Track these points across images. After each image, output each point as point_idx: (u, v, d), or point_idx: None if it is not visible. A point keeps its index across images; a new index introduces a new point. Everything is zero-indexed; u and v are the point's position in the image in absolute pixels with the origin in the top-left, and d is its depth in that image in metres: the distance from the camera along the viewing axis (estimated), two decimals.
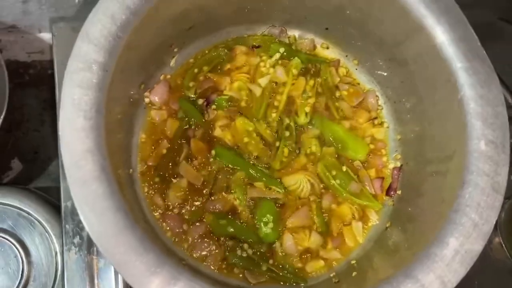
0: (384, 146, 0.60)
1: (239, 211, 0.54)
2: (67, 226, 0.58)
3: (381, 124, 0.61)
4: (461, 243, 0.41)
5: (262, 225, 0.54)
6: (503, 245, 0.65)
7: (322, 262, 0.54)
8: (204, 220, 0.53)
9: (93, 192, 0.38)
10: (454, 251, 0.41)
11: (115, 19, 0.42)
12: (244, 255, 0.53)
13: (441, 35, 0.47)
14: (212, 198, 0.54)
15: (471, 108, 0.45)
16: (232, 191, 0.54)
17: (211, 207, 0.53)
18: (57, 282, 0.63)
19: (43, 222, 0.65)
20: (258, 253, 0.54)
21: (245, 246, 0.53)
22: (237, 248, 0.53)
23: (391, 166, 0.59)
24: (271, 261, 0.53)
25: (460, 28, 0.47)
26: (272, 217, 0.54)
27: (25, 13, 0.75)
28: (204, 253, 0.52)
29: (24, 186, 0.72)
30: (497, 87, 0.45)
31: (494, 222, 0.42)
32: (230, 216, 0.54)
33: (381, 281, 0.41)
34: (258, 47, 0.61)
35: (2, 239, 0.63)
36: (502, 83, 0.77)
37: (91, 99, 0.40)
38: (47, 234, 0.65)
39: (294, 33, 0.63)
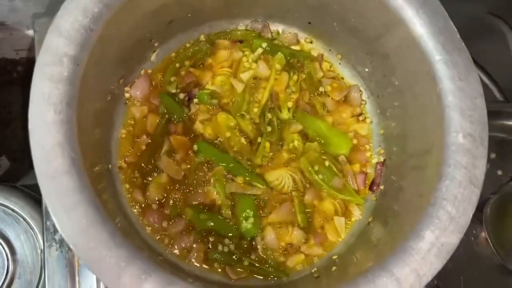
0: (368, 141, 0.60)
1: (219, 205, 0.53)
2: (48, 222, 0.58)
3: (365, 119, 0.60)
4: (437, 236, 0.40)
5: (242, 220, 0.53)
6: (489, 240, 0.65)
7: (303, 257, 0.54)
8: (183, 216, 0.53)
9: (63, 186, 0.37)
10: (430, 244, 0.40)
11: (87, 11, 0.42)
12: (226, 250, 0.53)
13: (420, 27, 0.46)
14: (193, 191, 0.54)
15: (449, 101, 0.44)
16: (212, 185, 0.54)
17: (191, 202, 0.53)
18: (42, 279, 0.63)
19: (29, 220, 0.65)
20: (240, 248, 0.53)
21: (226, 241, 0.53)
22: (219, 244, 0.53)
23: (374, 161, 0.59)
24: (253, 256, 0.53)
25: (439, 20, 0.46)
26: (252, 212, 0.53)
27: (12, 10, 0.75)
28: (184, 249, 0.52)
29: (11, 183, 0.72)
30: (476, 79, 0.45)
31: (471, 216, 0.41)
32: (209, 211, 0.53)
33: (357, 275, 0.40)
34: (241, 42, 0.61)
35: None
36: (490, 78, 0.76)
37: (61, 93, 0.39)
38: (32, 232, 0.65)
39: (277, 27, 0.63)
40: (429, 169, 0.46)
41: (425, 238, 0.40)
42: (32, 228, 0.65)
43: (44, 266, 0.58)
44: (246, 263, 0.52)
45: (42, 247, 0.63)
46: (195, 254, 0.52)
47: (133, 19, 0.49)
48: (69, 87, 0.40)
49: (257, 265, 0.53)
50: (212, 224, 0.53)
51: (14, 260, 0.64)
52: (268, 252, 0.53)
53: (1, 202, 0.66)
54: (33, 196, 0.69)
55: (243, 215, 0.53)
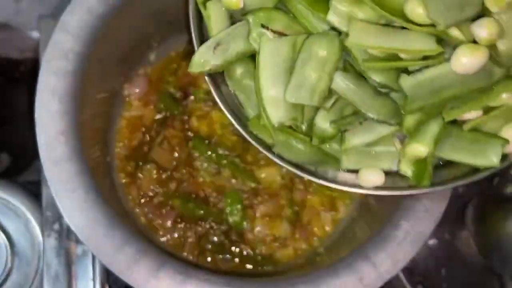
0: None
1: (208, 196, 0.56)
2: (47, 212, 0.60)
3: None
4: (412, 225, 0.43)
5: (231, 212, 0.56)
6: (471, 239, 0.68)
7: (291, 251, 0.57)
8: (174, 206, 0.55)
9: (65, 171, 0.40)
10: (405, 233, 0.43)
11: (92, 10, 0.45)
12: (216, 240, 0.55)
13: None
14: (184, 183, 0.56)
15: None
16: (201, 176, 0.57)
17: (181, 192, 0.56)
18: (38, 272, 0.65)
19: (27, 214, 0.67)
20: (229, 239, 0.56)
21: (217, 232, 0.56)
22: (210, 234, 0.55)
23: None
24: (242, 246, 0.56)
25: None
26: (240, 206, 0.56)
27: (17, 12, 0.78)
28: (178, 238, 0.55)
29: (9, 178, 0.74)
30: None
31: (444, 207, 0.44)
32: (198, 201, 0.56)
33: (336, 261, 0.43)
34: None
35: None
36: None
37: (66, 85, 0.43)
38: (31, 225, 0.67)
39: None
40: None
41: (401, 227, 0.43)
42: (31, 222, 0.67)
43: (43, 255, 0.60)
44: (235, 252, 0.55)
45: (40, 241, 0.65)
46: (188, 245, 0.55)
47: (134, 20, 0.52)
48: (73, 81, 0.43)
49: (245, 253, 0.55)
50: (201, 212, 0.55)
51: (13, 252, 0.66)
52: (257, 244, 0.56)
53: (2, 196, 0.68)
54: (32, 191, 0.71)
55: (231, 208, 0.56)
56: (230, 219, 0.56)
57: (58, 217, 0.60)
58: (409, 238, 0.43)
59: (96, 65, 0.47)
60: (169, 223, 0.54)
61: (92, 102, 0.48)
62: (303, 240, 0.56)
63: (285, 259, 0.56)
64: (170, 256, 0.43)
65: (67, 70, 0.43)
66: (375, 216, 0.52)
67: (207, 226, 0.56)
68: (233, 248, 0.55)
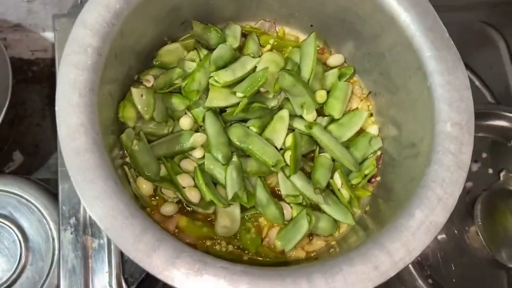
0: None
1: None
2: (63, 207, 0.62)
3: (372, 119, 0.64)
4: (426, 215, 0.44)
5: (245, 233, 0.56)
6: (480, 234, 0.68)
7: (304, 254, 0.57)
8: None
9: (85, 161, 0.41)
10: (419, 222, 0.44)
11: (109, 7, 0.46)
12: (224, 250, 0.55)
13: (412, 26, 0.50)
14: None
15: (438, 93, 0.48)
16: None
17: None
18: (53, 267, 0.66)
19: (42, 209, 0.68)
20: (238, 248, 0.55)
21: (223, 243, 0.56)
22: (216, 245, 0.55)
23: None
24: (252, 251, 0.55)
25: (429, 19, 0.50)
26: (252, 227, 0.56)
27: (29, 12, 0.79)
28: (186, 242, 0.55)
29: (24, 176, 0.75)
30: (463, 73, 0.49)
31: (457, 197, 0.45)
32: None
33: (351, 250, 0.43)
34: (245, 36, 0.65)
35: (2, 224, 0.66)
36: (482, 82, 0.81)
37: (85, 79, 0.44)
38: (45, 221, 0.68)
39: (283, 27, 0.67)
40: (420, 157, 0.49)
41: (415, 217, 0.44)
42: (45, 218, 0.68)
43: (60, 251, 0.61)
44: (245, 258, 0.55)
45: (54, 236, 0.66)
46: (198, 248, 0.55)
47: (149, 17, 0.53)
48: (92, 75, 0.44)
49: (256, 258, 0.55)
50: (206, 230, 0.55)
51: (27, 248, 0.67)
52: (270, 249, 0.56)
53: (17, 192, 0.69)
54: (46, 188, 0.72)
55: (244, 227, 0.56)
56: (245, 238, 0.56)
57: (75, 212, 0.62)
58: (423, 228, 0.43)
59: (112, 60, 0.48)
60: (171, 227, 0.55)
61: (107, 95, 0.49)
62: (320, 240, 0.57)
63: (298, 259, 0.56)
64: (187, 245, 0.43)
65: (86, 64, 0.44)
66: (387, 206, 0.53)
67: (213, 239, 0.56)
68: (242, 255, 0.55)
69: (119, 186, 0.42)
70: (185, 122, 0.58)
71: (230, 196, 0.53)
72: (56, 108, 0.42)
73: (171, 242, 0.41)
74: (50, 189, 0.72)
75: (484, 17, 0.85)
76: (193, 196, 0.54)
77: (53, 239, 0.67)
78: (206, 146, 0.57)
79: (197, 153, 0.57)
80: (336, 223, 0.58)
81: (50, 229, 0.68)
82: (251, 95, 0.55)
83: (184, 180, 0.55)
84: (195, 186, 0.55)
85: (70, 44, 0.44)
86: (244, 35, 0.65)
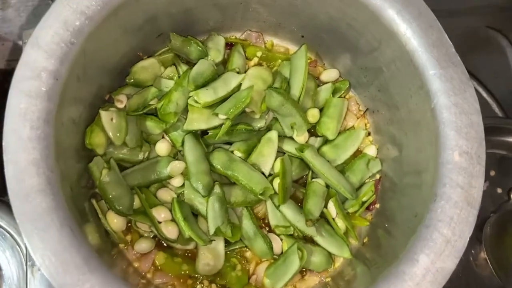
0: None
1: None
2: None
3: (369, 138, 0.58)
4: (432, 260, 0.38)
5: (230, 270, 0.51)
6: (488, 260, 0.62)
7: None
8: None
9: (36, 206, 0.36)
10: (424, 270, 0.38)
11: (67, 24, 0.40)
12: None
13: (413, 40, 0.44)
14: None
15: (444, 117, 0.43)
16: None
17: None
18: None
19: (15, 235, 0.63)
20: (222, 286, 0.50)
21: (206, 282, 0.51)
22: (197, 283, 0.50)
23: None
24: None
25: (433, 33, 0.45)
26: (238, 263, 0.51)
27: (4, 21, 0.74)
28: (164, 282, 0.50)
29: None
30: (472, 95, 0.43)
31: (468, 238, 0.39)
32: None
33: None
34: (231, 45, 0.59)
35: None
36: (488, 92, 0.75)
37: (39, 109, 0.38)
38: (18, 248, 0.63)
39: (271, 38, 0.61)
40: (425, 188, 0.44)
41: (419, 263, 0.38)
42: (18, 244, 0.63)
43: (27, 286, 0.56)
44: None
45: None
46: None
47: (118, 33, 0.47)
48: (47, 103, 0.38)
49: None
50: (186, 268, 0.50)
51: (0, 276, 0.62)
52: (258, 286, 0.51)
53: None
54: None
55: (230, 264, 0.51)
56: (230, 276, 0.51)
57: None
58: (429, 276, 0.37)
59: (74, 84, 0.42)
60: (147, 265, 0.49)
61: (70, 123, 0.44)
62: (313, 276, 0.52)
63: None
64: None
65: (40, 91, 0.38)
66: (387, 242, 0.47)
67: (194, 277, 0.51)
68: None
69: (76, 234, 0.36)
70: (162, 148, 0.52)
71: (212, 231, 0.48)
72: (4, 144, 0.37)
73: None
74: None
75: (490, 21, 0.79)
76: (170, 231, 0.48)
77: (26, 269, 0.62)
78: (185, 174, 0.51)
79: (176, 182, 0.51)
80: (331, 256, 0.52)
81: (24, 256, 0.63)
82: (235, 117, 0.50)
83: (160, 214, 0.49)
84: (173, 219, 0.49)
85: (21, 68, 0.39)
86: (229, 45, 0.59)
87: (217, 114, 0.50)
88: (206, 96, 0.50)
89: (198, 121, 0.51)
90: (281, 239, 0.52)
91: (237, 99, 0.50)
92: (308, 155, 0.53)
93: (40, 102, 0.38)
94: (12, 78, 0.39)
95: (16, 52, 0.77)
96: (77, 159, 0.46)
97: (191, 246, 0.51)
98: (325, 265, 0.52)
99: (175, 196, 0.51)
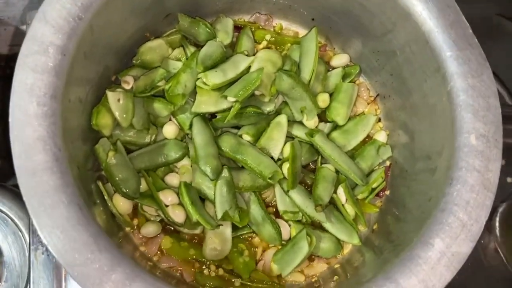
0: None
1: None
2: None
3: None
4: (448, 244, 0.37)
5: (237, 255, 0.50)
6: (499, 250, 0.62)
7: (303, 278, 0.51)
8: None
9: (43, 183, 0.35)
10: (439, 253, 0.37)
11: None
12: (213, 274, 0.49)
13: (429, 21, 0.43)
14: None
15: (461, 100, 0.42)
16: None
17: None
18: (29, 283, 0.60)
19: (16, 221, 0.63)
20: (229, 271, 0.50)
21: (212, 267, 0.50)
22: (204, 268, 0.49)
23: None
24: (245, 276, 0.49)
25: (450, 14, 0.43)
26: (245, 249, 0.50)
27: (7, 5, 0.73)
28: (171, 268, 0.49)
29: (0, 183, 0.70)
30: (490, 77, 0.42)
31: (484, 222, 0.38)
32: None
33: (360, 285, 0.37)
34: (240, 28, 0.58)
35: None
36: (498, 80, 0.74)
37: (45, 84, 0.37)
38: (20, 233, 0.62)
39: (280, 22, 0.60)
40: (439, 173, 0.43)
41: (435, 247, 0.37)
42: (20, 230, 0.63)
43: (30, 270, 0.55)
44: (237, 284, 0.49)
45: (31, 250, 0.60)
46: (184, 274, 0.49)
47: (125, 11, 0.46)
48: (54, 79, 0.37)
49: (249, 284, 0.49)
50: (193, 252, 0.49)
51: (1, 263, 0.61)
52: (265, 274, 0.50)
53: None
54: (21, 196, 0.66)
55: (237, 250, 0.50)
56: (238, 262, 0.50)
57: None
58: (444, 260, 0.37)
59: (81, 61, 0.41)
60: (154, 249, 0.48)
61: (76, 103, 0.42)
62: (321, 263, 0.51)
63: (296, 282, 0.50)
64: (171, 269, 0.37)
65: (47, 66, 0.37)
66: (399, 228, 0.47)
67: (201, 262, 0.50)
68: (233, 280, 0.49)
69: (84, 212, 0.35)
70: (170, 130, 0.51)
71: (219, 215, 0.47)
72: (10, 120, 0.36)
73: (144, 280, 0.34)
74: None
75: (502, 9, 0.77)
76: (177, 215, 0.47)
77: (29, 253, 0.61)
78: (193, 157, 0.50)
79: (184, 165, 0.50)
80: (339, 243, 0.51)
81: (26, 242, 0.62)
82: (244, 100, 0.48)
83: (167, 197, 0.48)
84: (180, 203, 0.48)
85: (28, 42, 0.38)
86: (238, 28, 0.58)
87: (226, 97, 0.49)
88: (215, 77, 0.49)
89: (206, 103, 0.50)
90: (289, 225, 0.52)
91: (246, 81, 0.49)
92: (318, 140, 0.52)
93: (47, 77, 0.37)
94: (18, 53, 0.38)
95: (18, 37, 0.76)
96: (84, 140, 0.45)
97: (198, 231, 0.50)
98: (334, 251, 0.51)
99: (181, 180, 0.50)
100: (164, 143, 0.51)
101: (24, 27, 0.75)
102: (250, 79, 0.49)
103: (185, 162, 0.51)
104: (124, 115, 0.48)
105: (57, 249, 0.34)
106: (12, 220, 0.63)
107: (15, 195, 0.65)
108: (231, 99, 0.49)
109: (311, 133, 0.52)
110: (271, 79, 0.51)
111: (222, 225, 0.48)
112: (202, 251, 0.49)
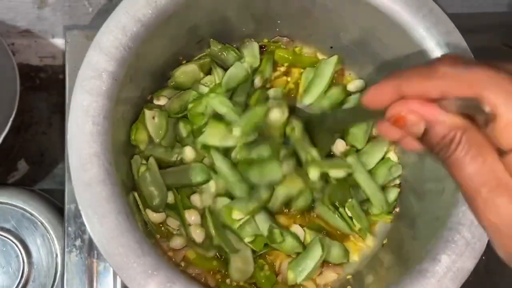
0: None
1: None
2: (69, 228, 0.60)
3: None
4: (453, 260, 0.42)
5: (258, 270, 0.53)
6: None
7: (315, 286, 0.55)
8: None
9: (97, 194, 0.39)
10: (446, 268, 0.41)
11: (126, 30, 0.44)
12: (234, 284, 0.53)
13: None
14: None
15: None
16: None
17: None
18: (56, 283, 0.64)
19: (46, 224, 0.66)
20: (250, 283, 0.53)
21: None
22: (226, 278, 0.53)
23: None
24: None
25: (459, 52, 0.48)
26: (265, 263, 0.54)
27: (39, 19, 0.77)
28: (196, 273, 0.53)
29: (29, 187, 0.73)
30: None
31: (487, 241, 0.43)
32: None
33: None
34: (263, 48, 0.62)
35: (5, 238, 0.64)
36: None
37: (99, 106, 0.42)
38: (48, 236, 0.66)
39: (300, 45, 0.64)
40: (446, 194, 0.47)
41: (441, 262, 0.42)
42: (49, 232, 0.66)
43: (63, 271, 0.59)
44: None
45: (58, 252, 0.64)
46: (208, 280, 0.53)
47: (165, 39, 0.51)
48: (107, 101, 0.42)
49: None
50: (216, 264, 0.52)
51: (30, 263, 0.65)
52: (284, 283, 0.54)
53: (20, 205, 0.67)
54: (50, 201, 0.70)
55: (257, 264, 0.53)
56: (259, 276, 0.53)
57: (80, 234, 0.59)
58: (449, 274, 0.41)
59: (127, 84, 0.46)
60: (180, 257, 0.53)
61: (121, 120, 0.47)
62: (331, 271, 0.55)
63: None
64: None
65: (101, 90, 0.42)
66: (409, 243, 0.51)
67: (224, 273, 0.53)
68: None
69: (131, 220, 0.40)
70: (189, 152, 0.54)
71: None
72: (68, 137, 0.40)
73: (183, 283, 0.38)
74: (54, 202, 0.70)
75: (506, 39, 0.81)
76: (197, 235, 0.51)
77: (56, 255, 0.65)
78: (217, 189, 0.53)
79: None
80: (347, 250, 0.55)
81: (54, 244, 0.66)
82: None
83: (191, 216, 0.52)
84: (202, 224, 0.52)
85: (85, 68, 0.42)
86: (261, 47, 0.62)
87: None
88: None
89: (213, 135, 0.52)
90: (304, 230, 0.55)
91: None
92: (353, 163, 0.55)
93: (101, 100, 0.42)
94: (77, 77, 0.42)
95: (48, 50, 0.80)
96: (125, 154, 0.50)
97: (211, 254, 0.53)
98: (342, 258, 0.54)
99: (206, 207, 0.53)
100: (190, 167, 0.54)
101: (54, 40, 0.80)
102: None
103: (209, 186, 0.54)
104: (159, 132, 0.53)
105: (107, 253, 0.38)
106: (41, 223, 0.66)
107: (44, 199, 0.69)
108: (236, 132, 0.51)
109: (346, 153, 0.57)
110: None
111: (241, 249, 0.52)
112: (229, 274, 0.52)
